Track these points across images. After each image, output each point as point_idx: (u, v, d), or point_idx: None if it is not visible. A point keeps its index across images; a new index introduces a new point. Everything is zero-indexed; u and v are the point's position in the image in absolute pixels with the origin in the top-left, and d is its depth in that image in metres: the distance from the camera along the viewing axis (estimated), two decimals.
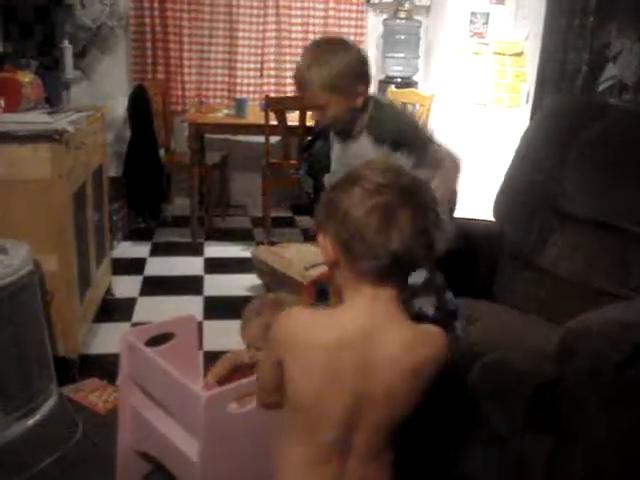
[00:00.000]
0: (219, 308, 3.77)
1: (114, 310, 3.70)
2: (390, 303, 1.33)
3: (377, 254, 1.28)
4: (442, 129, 5.13)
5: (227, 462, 1.88)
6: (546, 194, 2.68)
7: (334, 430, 1.34)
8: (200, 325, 3.46)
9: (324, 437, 1.35)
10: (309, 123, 4.59)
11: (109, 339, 3.32)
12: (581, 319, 1.86)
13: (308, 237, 4.84)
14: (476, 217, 3.00)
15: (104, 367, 3.02)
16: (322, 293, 2.50)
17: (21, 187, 2.72)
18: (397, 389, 1.32)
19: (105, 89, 5.19)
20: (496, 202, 2.90)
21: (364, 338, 1.31)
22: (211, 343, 3.22)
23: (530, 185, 2.76)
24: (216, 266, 4.46)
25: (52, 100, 3.45)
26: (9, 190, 2.72)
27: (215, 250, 4.77)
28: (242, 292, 3.98)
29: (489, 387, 1.94)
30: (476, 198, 5.04)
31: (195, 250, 4.72)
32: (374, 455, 1.38)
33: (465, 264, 2.60)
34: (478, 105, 5.09)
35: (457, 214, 2.40)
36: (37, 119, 2.90)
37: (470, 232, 2.74)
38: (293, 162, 4.71)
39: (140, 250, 4.68)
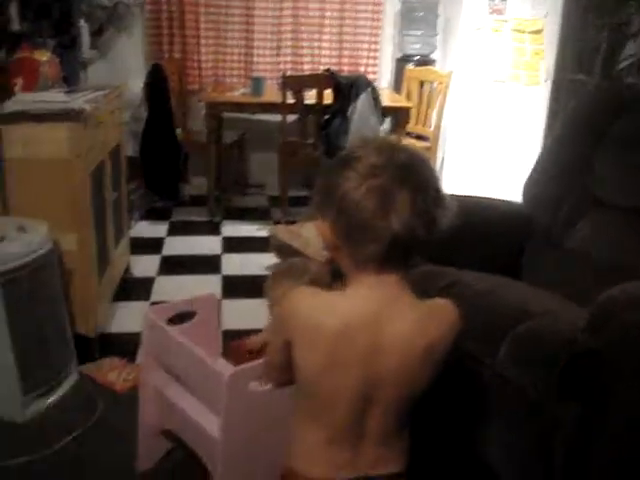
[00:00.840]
0: (237, 287, 3.78)
1: (133, 289, 3.71)
2: (395, 287, 1.31)
3: (376, 238, 1.24)
4: (460, 107, 5.11)
5: (248, 439, 1.89)
6: (578, 178, 2.67)
7: (345, 413, 1.33)
8: (219, 304, 3.46)
9: (336, 419, 1.34)
10: (326, 101, 4.58)
11: (128, 318, 3.34)
12: (615, 290, 1.85)
13: None
14: (495, 195, 2.98)
15: (123, 346, 3.04)
16: (338, 271, 2.49)
17: (39, 166, 2.72)
18: (409, 369, 1.31)
19: (122, 68, 5.18)
20: (526, 184, 2.88)
21: (369, 324, 1.29)
22: (230, 322, 3.23)
23: (562, 168, 2.76)
24: (234, 245, 4.47)
25: (69, 79, 3.46)
26: (27, 169, 2.72)
27: (233, 229, 4.77)
28: (260, 271, 3.97)
29: (522, 356, 1.93)
30: (495, 177, 5.03)
31: (213, 229, 4.73)
32: (388, 436, 1.37)
33: (489, 244, 2.59)
34: (496, 83, 5.04)
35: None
36: (55, 98, 2.91)
37: (492, 212, 2.73)
38: (310, 141, 4.70)
39: (158, 229, 4.69)
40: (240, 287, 3.77)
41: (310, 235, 3.67)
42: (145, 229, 4.69)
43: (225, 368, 1.87)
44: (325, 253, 3.26)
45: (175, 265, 4.11)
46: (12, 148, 2.70)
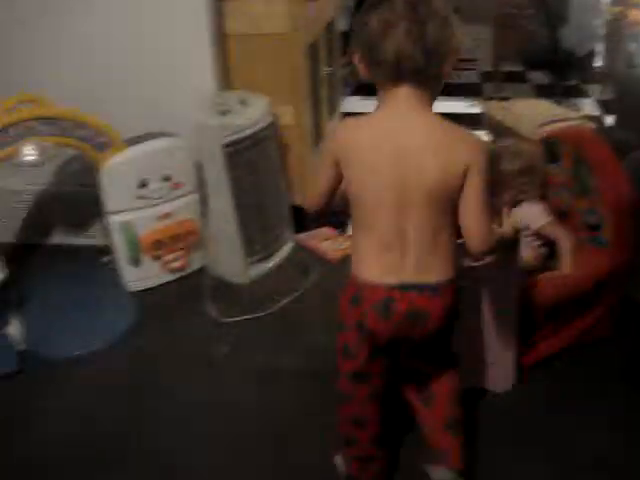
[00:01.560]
0: None
1: None
2: (412, 99, 1.52)
3: (382, 60, 1.49)
4: None
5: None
6: None
7: (387, 218, 1.52)
8: None
9: (381, 225, 1.53)
10: None
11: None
12: None
13: (541, 93, 4.62)
14: None
15: (336, 218, 3.14)
16: (552, 152, 2.40)
17: (259, 41, 2.81)
18: (428, 174, 1.49)
19: None
20: None
21: (390, 134, 1.52)
22: None
23: None
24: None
25: None
26: (248, 44, 2.82)
27: (443, 105, 4.68)
28: None
29: None
30: None
31: None
32: (430, 244, 1.54)
33: None
34: None
35: None
36: None
37: None
38: (528, 12, 4.46)
39: (367, 105, 4.71)
40: None
41: (524, 112, 3.55)
42: (355, 104, 4.73)
43: None
44: (540, 131, 3.16)
45: None
46: (234, 23, 2.80)
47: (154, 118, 2.70)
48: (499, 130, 3.69)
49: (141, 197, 2.62)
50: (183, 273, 2.79)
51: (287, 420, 2.10)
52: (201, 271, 2.81)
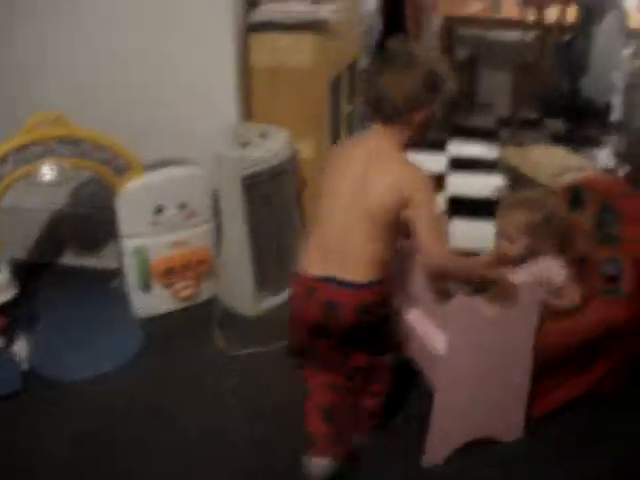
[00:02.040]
0: (463, 207, 3.74)
1: None
2: (381, 136, 1.83)
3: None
4: None
5: (472, 360, 1.93)
6: None
7: (334, 222, 1.85)
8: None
9: (327, 228, 1.87)
10: (569, 20, 4.33)
11: None
12: None
13: (558, 140, 4.63)
14: None
15: None
16: (575, 199, 2.39)
17: (283, 74, 2.82)
18: (373, 191, 1.79)
19: None
20: None
21: (356, 157, 1.84)
22: (455, 241, 3.21)
23: None
24: (459, 164, 4.41)
25: None
26: (272, 77, 2.83)
27: (459, 148, 4.70)
28: (486, 192, 3.91)
29: None
30: None
31: (439, 147, 4.69)
32: (360, 247, 1.81)
33: None
34: None
35: None
36: (300, 8, 2.96)
37: None
38: (548, 62, 4.48)
39: None
40: (466, 207, 3.73)
41: (541, 160, 3.56)
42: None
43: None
44: (560, 179, 3.15)
45: None
46: (259, 56, 2.82)
47: (173, 145, 2.71)
48: (515, 176, 3.70)
49: (156, 223, 2.61)
50: (193, 302, 2.77)
51: (285, 454, 2.07)
52: (211, 301, 2.79)
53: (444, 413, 1.97)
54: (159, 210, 2.60)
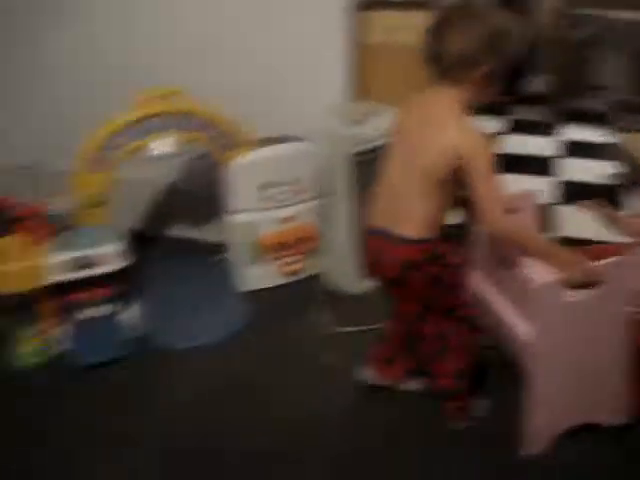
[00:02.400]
0: (576, 194, 3.63)
1: None
2: (439, 94, 1.81)
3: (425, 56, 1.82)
4: None
5: (562, 347, 1.86)
6: None
7: (391, 176, 1.92)
8: (548, 208, 3.39)
9: (385, 182, 1.94)
10: None
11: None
12: None
13: None
14: None
15: None
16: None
17: (394, 52, 2.80)
18: (429, 147, 1.79)
19: None
20: None
21: (417, 115, 1.87)
22: (569, 229, 3.13)
23: None
24: (572, 149, 4.28)
25: None
26: (382, 55, 2.81)
27: (571, 132, 4.56)
28: (599, 179, 3.78)
29: None
30: None
31: (549, 130, 4.57)
32: (412, 202, 1.84)
33: None
34: None
35: None
36: None
37: None
38: None
39: (492, 125, 4.64)
40: (579, 194, 3.61)
41: None
42: (480, 124, 4.65)
43: (539, 275, 1.82)
44: None
45: (509, 163, 4.04)
46: (373, 34, 2.80)
47: (283, 122, 2.72)
48: (632, 164, 3.55)
49: (264, 199, 2.63)
50: (298, 277, 2.79)
51: (382, 436, 2.07)
52: (315, 277, 2.80)
53: (540, 401, 1.90)
54: (268, 186, 2.62)
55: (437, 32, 1.79)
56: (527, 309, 1.88)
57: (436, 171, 1.77)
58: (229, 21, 2.81)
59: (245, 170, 2.60)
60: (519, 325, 1.91)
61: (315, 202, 2.72)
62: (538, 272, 1.80)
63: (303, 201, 2.70)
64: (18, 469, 1.99)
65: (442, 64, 1.78)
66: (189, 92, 2.56)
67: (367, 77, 2.88)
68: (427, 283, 1.89)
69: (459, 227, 2.07)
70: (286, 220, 2.68)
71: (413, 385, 2.20)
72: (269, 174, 2.62)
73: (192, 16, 2.86)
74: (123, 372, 2.36)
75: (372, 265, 1.97)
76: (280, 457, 2.01)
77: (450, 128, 1.77)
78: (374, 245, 1.92)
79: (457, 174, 1.76)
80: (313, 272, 2.82)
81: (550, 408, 1.94)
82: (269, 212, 2.66)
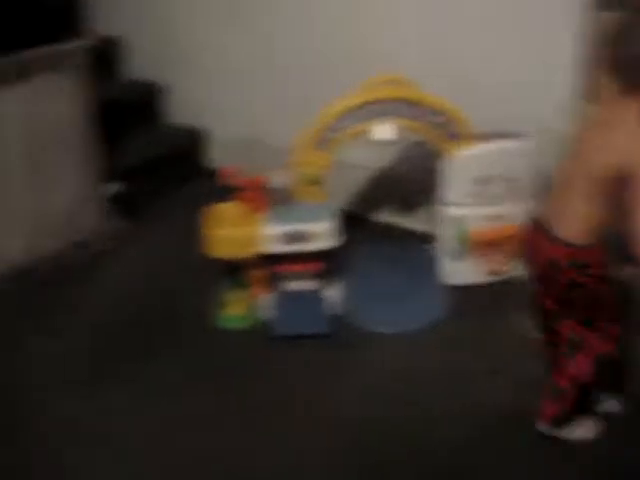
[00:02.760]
0: None
1: None
2: (619, 100, 1.70)
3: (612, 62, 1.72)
4: None
5: None
6: None
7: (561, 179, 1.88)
8: None
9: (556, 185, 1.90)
10: None
11: None
12: None
13: None
14: None
15: None
16: None
17: None
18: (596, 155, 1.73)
19: None
20: None
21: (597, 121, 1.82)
22: None
23: None
24: None
25: None
26: None
27: None
28: None
29: None
30: None
31: None
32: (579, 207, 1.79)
33: None
34: None
35: None
36: None
37: None
38: None
39: None
40: None
41: None
42: None
43: None
44: None
45: None
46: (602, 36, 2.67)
47: (507, 118, 2.66)
48: None
49: (479, 194, 2.60)
50: (503, 277, 2.74)
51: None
52: (521, 280, 2.73)
53: None
54: (484, 182, 2.58)
55: (624, 38, 1.70)
56: None
57: (602, 176, 1.71)
58: (460, 19, 2.80)
59: (462, 163, 2.58)
60: None
61: (528, 203, 2.64)
62: None
63: (517, 200, 2.63)
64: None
65: (630, 71, 1.68)
66: (414, 81, 2.58)
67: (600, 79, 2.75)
68: (567, 287, 1.87)
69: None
70: (498, 218, 2.62)
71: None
72: (486, 169, 2.58)
73: (417, 11, 2.88)
74: (318, 348, 2.43)
75: (528, 256, 1.99)
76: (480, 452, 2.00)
77: (623, 138, 1.69)
78: (533, 238, 1.92)
79: (622, 184, 1.68)
80: (517, 274, 2.74)
81: None
82: (481, 208, 2.62)
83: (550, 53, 2.68)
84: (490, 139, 2.62)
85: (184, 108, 3.74)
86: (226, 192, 2.55)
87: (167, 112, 3.81)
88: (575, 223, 1.79)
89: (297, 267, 2.50)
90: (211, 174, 3.08)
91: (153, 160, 3.47)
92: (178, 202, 3.44)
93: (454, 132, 2.55)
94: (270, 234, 2.42)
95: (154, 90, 3.76)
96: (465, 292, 2.69)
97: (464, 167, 2.58)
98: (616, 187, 1.70)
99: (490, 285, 2.73)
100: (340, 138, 2.53)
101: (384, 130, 2.55)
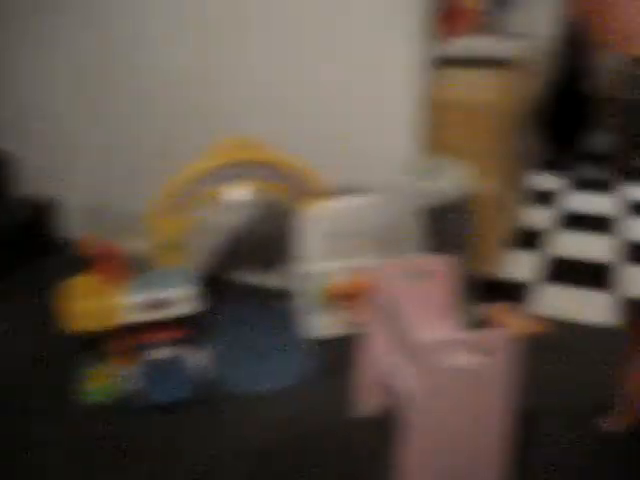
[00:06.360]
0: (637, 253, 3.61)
1: (524, 240, 3.75)
2: None
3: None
4: None
5: (436, 417, 1.81)
6: None
7: None
8: (615, 269, 3.37)
9: None
10: None
11: (517, 266, 3.42)
12: None
13: None
14: None
15: (509, 292, 3.09)
16: None
17: (465, 109, 2.84)
18: None
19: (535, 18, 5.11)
20: None
21: None
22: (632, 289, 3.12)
23: None
24: (633, 208, 4.26)
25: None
26: (452, 112, 2.85)
27: (633, 191, 4.54)
28: None
29: None
30: None
31: (611, 189, 4.55)
32: None
33: None
34: None
35: None
36: (485, 44, 2.99)
37: None
38: None
39: (554, 182, 4.65)
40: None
41: None
42: (541, 181, 4.67)
43: (427, 336, 1.77)
44: None
45: (570, 221, 4.04)
46: (440, 90, 2.85)
47: (350, 173, 2.77)
48: None
49: (333, 249, 2.68)
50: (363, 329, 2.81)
51: None
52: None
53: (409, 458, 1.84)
54: (338, 236, 2.67)
55: None
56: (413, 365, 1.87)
57: None
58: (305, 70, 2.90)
59: (315, 219, 2.65)
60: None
61: (381, 254, 2.75)
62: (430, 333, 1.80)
63: (370, 253, 2.73)
64: None
65: None
66: (264, 141, 2.64)
67: (436, 133, 2.91)
68: None
69: None
70: (352, 271, 2.71)
71: None
72: (338, 225, 2.67)
73: (266, 65, 2.96)
74: (187, 414, 2.40)
75: None
76: None
77: None
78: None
79: None
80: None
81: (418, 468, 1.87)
82: (337, 262, 2.69)
83: (395, 109, 2.81)
84: (341, 195, 2.71)
85: (32, 179, 3.64)
86: (81, 263, 2.49)
87: (13, 184, 3.69)
88: None
89: (159, 335, 2.46)
90: (63, 246, 3.00)
91: None
92: (28, 278, 3.31)
93: (305, 190, 2.63)
94: (128, 303, 2.38)
95: None
96: (328, 345, 2.74)
97: (317, 223, 2.65)
98: None
99: (351, 336, 2.80)
100: (194, 201, 2.55)
101: (238, 192, 2.60)
